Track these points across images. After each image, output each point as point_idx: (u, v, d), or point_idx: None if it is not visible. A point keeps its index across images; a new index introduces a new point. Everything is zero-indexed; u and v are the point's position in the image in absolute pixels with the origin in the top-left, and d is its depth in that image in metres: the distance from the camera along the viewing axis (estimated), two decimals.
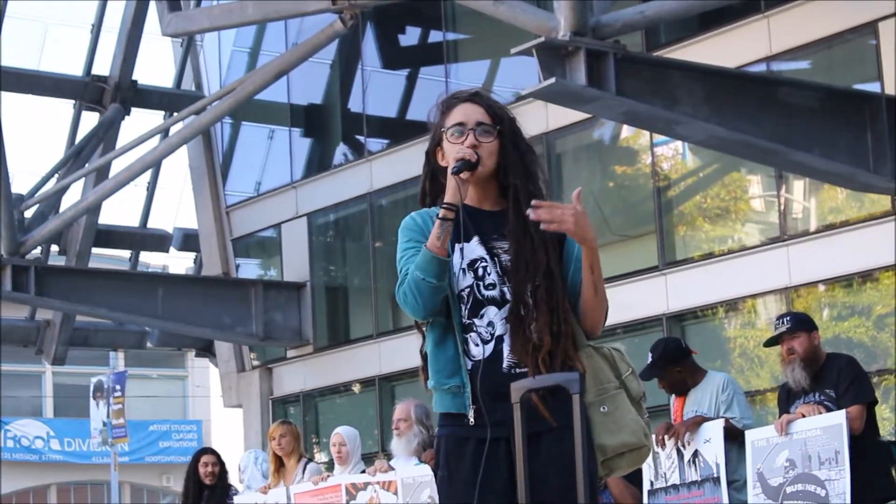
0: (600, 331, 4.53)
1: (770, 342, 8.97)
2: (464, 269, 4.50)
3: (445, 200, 4.43)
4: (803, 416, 8.36)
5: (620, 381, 4.51)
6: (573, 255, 4.48)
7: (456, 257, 4.48)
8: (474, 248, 4.51)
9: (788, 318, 8.71)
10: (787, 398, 8.69)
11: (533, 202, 4.35)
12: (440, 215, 4.40)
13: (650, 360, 9.04)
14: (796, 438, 8.37)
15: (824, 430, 8.26)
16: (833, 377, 8.46)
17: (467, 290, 4.49)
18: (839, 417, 8.21)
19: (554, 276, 4.44)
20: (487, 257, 4.50)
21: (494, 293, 4.48)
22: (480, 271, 4.50)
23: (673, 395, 9.25)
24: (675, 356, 9.10)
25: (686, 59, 15.03)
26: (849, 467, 8.09)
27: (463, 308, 4.49)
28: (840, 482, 8.11)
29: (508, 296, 4.46)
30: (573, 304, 4.49)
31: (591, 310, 4.47)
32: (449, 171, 4.45)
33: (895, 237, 15.30)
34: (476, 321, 4.48)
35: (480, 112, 4.54)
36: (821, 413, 8.29)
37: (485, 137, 4.50)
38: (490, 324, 4.47)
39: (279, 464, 11.70)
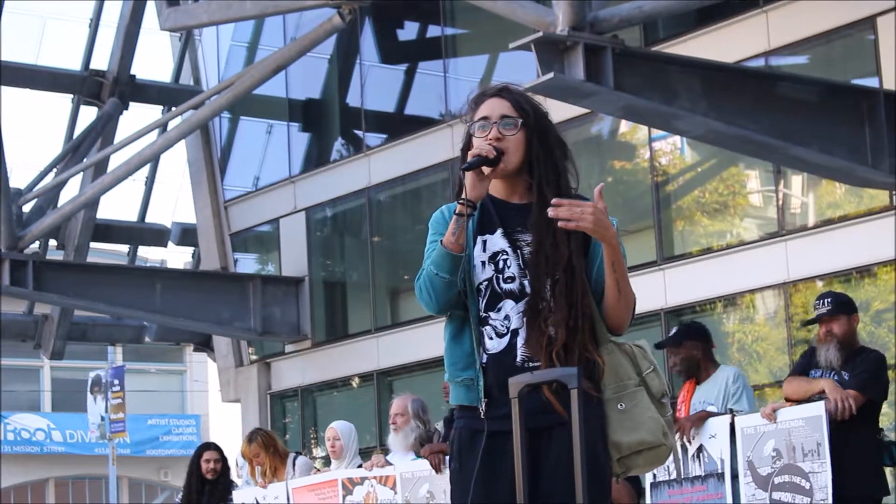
0: (626, 328, 4.51)
1: (808, 322, 8.92)
2: (484, 262, 4.51)
3: (464, 197, 4.44)
4: (823, 391, 8.33)
5: (641, 378, 4.50)
6: (600, 251, 4.46)
7: (478, 250, 4.51)
8: (497, 241, 4.53)
9: (830, 300, 8.58)
10: (808, 363, 8.63)
11: (553, 200, 4.35)
12: (456, 211, 4.43)
13: (671, 333, 9.06)
14: (781, 428, 8.37)
15: (806, 420, 8.27)
16: (858, 364, 8.43)
17: (486, 283, 4.50)
18: (819, 409, 8.20)
19: (575, 271, 4.43)
20: (509, 250, 4.50)
21: (513, 286, 4.49)
22: (501, 264, 4.51)
23: (682, 388, 9.21)
24: (695, 333, 9.11)
25: (684, 54, 15.03)
26: (829, 460, 8.08)
27: (480, 301, 4.50)
28: (822, 475, 8.12)
29: (528, 289, 4.47)
30: (598, 300, 4.48)
31: (614, 308, 4.46)
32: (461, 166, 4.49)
33: (894, 232, 15.30)
34: (492, 314, 4.49)
35: (506, 106, 4.55)
36: (843, 403, 8.22)
37: (508, 130, 4.51)
38: (506, 317, 4.49)
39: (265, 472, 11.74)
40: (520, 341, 4.46)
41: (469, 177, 4.44)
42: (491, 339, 4.49)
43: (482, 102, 4.59)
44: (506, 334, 4.48)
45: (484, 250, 4.52)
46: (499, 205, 4.56)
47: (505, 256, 4.51)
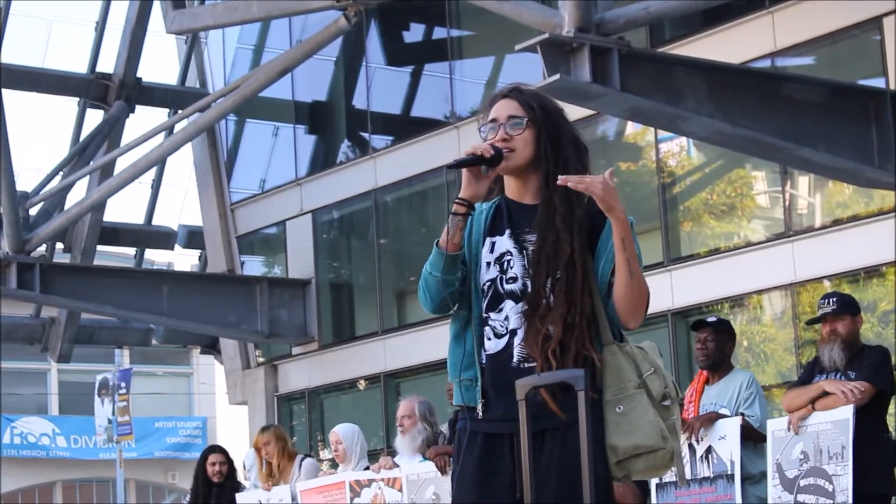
0: (640, 319, 4.44)
1: (813, 321, 8.95)
2: (489, 263, 4.50)
3: (458, 196, 4.45)
4: (825, 391, 8.33)
5: (641, 381, 4.42)
6: (607, 247, 4.42)
7: (486, 250, 4.50)
8: (504, 243, 4.51)
9: (835, 300, 8.61)
10: (813, 370, 8.65)
11: (561, 177, 4.34)
12: (452, 210, 4.42)
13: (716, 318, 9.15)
14: (810, 431, 8.39)
15: (833, 424, 8.28)
16: (863, 361, 8.45)
17: (489, 283, 4.49)
18: (847, 413, 8.21)
19: (576, 268, 4.39)
20: (515, 251, 4.49)
21: (515, 287, 4.47)
22: (505, 265, 4.49)
23: (689, 386, 9.20)
24: (732, 333, 9.15)
25: (690, 56, 15.02)
26: (852, 463, 8.10)
27: (483, 301, 4.49)
28: (844, 478, 8.14)
29: (530, 289, 4.44)
30: (605, 299, 4.43)
31: (625, 294, 4.39)
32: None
33: None
34: (492, 315, 4.48)
35: (514, 106, 4.55)
36: (846, 387, 8.23)
37: (514, 130, 4.51)
38: (506, 318, 4.47)
39: (271, 468, 11.77)
40: (517, 341, 4.44)
41: (464, 176, 4.45)
42: (489, 339, 4.48)
43: (494, 104, 4.60)
44: (504, 335, 4.47)
45: (492, 251, 4.51)
46: (512, 206, 4.55)
47: (509, 257, 4.49)
